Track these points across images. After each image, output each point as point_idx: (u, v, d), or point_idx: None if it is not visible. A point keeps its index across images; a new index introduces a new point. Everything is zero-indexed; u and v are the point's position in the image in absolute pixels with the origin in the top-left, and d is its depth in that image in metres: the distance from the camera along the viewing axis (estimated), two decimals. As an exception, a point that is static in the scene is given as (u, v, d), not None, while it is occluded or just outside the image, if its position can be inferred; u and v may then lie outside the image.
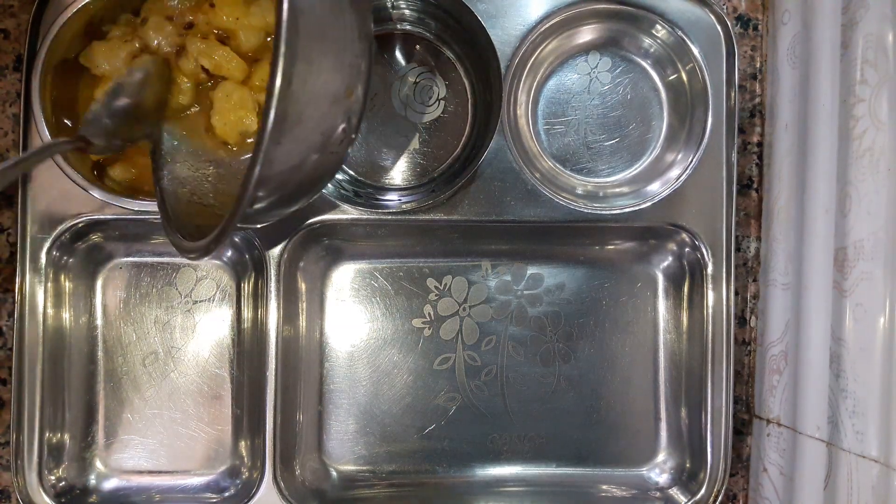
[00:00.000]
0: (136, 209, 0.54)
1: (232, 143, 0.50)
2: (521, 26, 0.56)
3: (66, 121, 0.53)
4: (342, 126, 0.41)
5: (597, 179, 0.59)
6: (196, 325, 0.59)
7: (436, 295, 0.60)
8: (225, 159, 0.50)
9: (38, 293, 0.54)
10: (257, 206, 0.39)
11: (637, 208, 0.56)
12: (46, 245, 0.54)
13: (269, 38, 0.51)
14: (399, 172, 0.59)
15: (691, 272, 0.59)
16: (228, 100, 0.49)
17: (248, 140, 0.50)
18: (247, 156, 0.50)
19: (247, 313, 0.59)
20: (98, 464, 0.58)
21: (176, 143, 0.50)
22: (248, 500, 0.55)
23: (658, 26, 0.57)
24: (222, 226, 0.40)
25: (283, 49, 0.35)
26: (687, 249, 0.58)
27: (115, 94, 0.48)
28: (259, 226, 0.54)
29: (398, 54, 0.59)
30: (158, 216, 0.52)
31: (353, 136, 0.44)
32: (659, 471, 0.60)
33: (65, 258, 0.56)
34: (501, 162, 0.56)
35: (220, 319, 0.59)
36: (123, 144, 0.50)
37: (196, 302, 0.59)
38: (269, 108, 0.36)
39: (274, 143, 0.37)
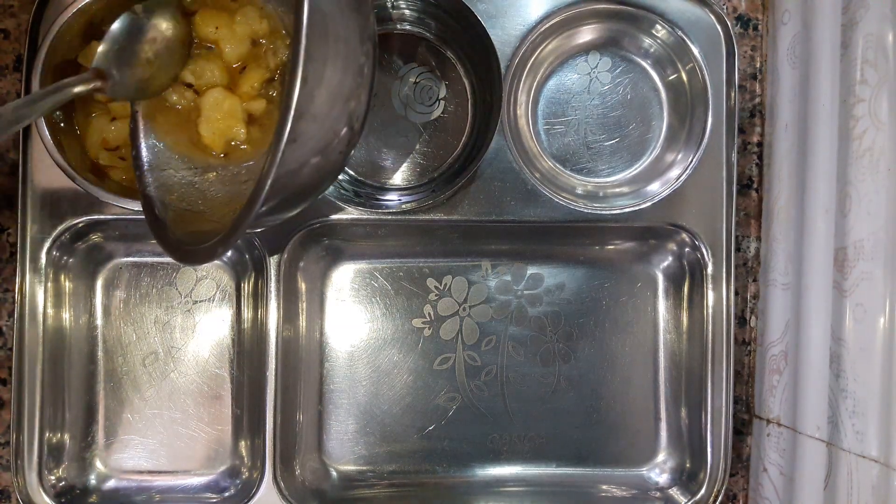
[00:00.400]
0: (136, 209, 0.53)
1: (218, 150, 0.49)
2: (521, 26, 0.56)
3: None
4: (347, 127, 0.42)
5: (597, 179, 0.59)
6: (196, 325, 0.59)
7: (436, 295, 0.60)
8: (212, 165, 0.49)
9: (38, 293, 0.54)
10: (265, 206, 0.39)
11: (637, 208, 0.56)
12: (46, 245, 0.54)
13: (262, 42, 0.50)
14: (399, 172, 0.59)
15: (691, 272, 0.59)
16: (218, 108, 0.48)
17: (243, 146, 0.49)
18: (243, 164, 0.49)
19: (247, 313, 0.59)
20: (98, 464, 0.58)
21: (159, 149, 0.49)
22: (248, 500, 0.55)
23: (658, 26, 0.57)
24: (233, 226, 0.40)
25: (303, 47, 0.36)
26: (687, 249, 0.58)
27: (134, 26, 0.46)
28: (258, 230, 0.54)
29: (398, 54, 0.59)
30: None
31: (357, 137, 0.44)
32: (659, 471, 0.60)
33: (65, 258, 0.56)
34: (501, 162, 0.56)
35: (220, 319, 0.59)
36: (141, 89, 0.47)
37: (196, 302, 0.59)
38: (290, 106, 0.36)
39: (290, 142, 0.37)
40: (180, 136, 0.49)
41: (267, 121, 0.49)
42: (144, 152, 0.49)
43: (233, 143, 0.49)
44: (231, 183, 0.48)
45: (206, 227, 0.45)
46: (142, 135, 0.49)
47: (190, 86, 0.49)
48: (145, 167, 0.48)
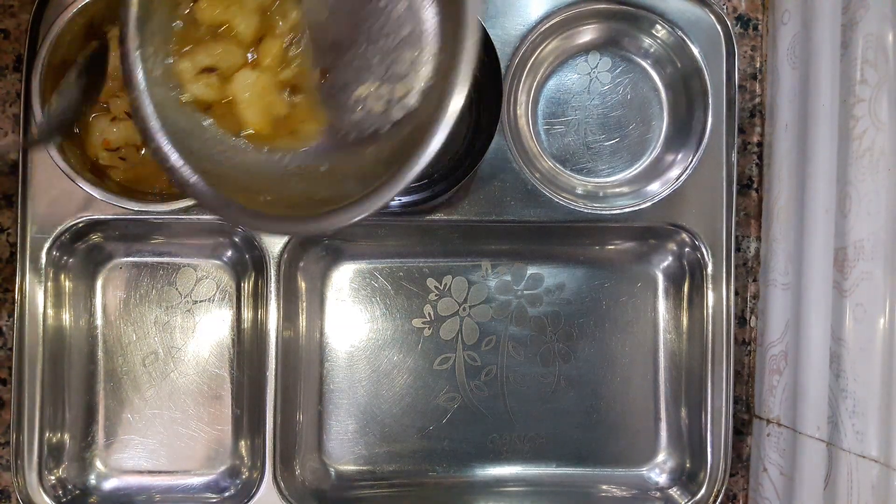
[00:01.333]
0: (136, 209, 0.53)
1: (266, 131, 0.47)
2: (521, 26, 0.56)
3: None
4: None
5: (597, 179, 0.59)
6: (196, 325, 0.59)
7: (436, 295, 0.60)
8: (252, 148, 0.47)
9: (38, 293, 0.54)
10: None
11: (637, 208, 0.56)
12: (46, 245, 0.54)
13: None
14: (399, 172, 0.59)
15: (691, 272, 0.59)
16: (252, 90, 0.47)
17: (303, 122, 0.47)
18: (287, 146, 0.47)
19: (247, 313, 0.59)
20: (98, 464, 0.58)
21: (196, 139, 0.47)
22: (248, 500, 0.55)
23: (658, 26, 0.57)
24: (394, 179, 0.39)
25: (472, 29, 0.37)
26: (687, 249, 0.58)
27: (79, 75, 0.50)
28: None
29: (398, 54, 0.59)
30: (160, 216, 0.52)
31: None
32: (659, 471, 0.60)
33: (65, 258, 0.56)
34: (501, 162, 0.56)
35: (220, 319, 0.59)
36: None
37: (196, 302, 0.59)
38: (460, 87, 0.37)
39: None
40: (221, 124, 0.47)
41: (305, 85, 0.48)
42: (176, 144, 0.46)
43: (281, 119, 0.47)
44: (275, 166, 0.46)
45: (270, 210, 0.43)
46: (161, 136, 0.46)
47: (213, 70, 0.47)
48: (182, 159, 0.45)
